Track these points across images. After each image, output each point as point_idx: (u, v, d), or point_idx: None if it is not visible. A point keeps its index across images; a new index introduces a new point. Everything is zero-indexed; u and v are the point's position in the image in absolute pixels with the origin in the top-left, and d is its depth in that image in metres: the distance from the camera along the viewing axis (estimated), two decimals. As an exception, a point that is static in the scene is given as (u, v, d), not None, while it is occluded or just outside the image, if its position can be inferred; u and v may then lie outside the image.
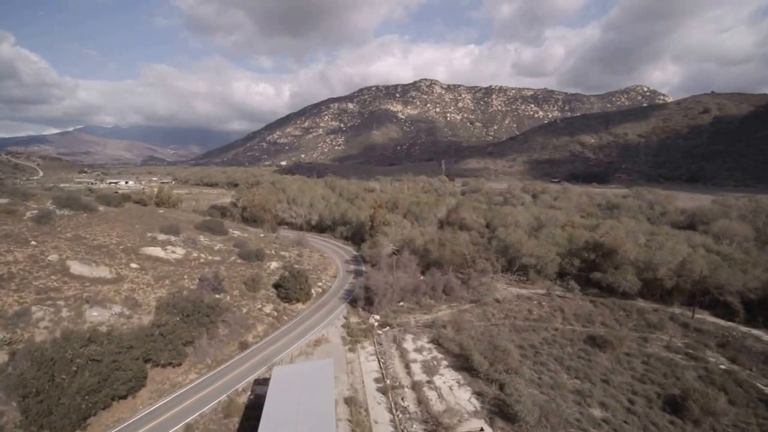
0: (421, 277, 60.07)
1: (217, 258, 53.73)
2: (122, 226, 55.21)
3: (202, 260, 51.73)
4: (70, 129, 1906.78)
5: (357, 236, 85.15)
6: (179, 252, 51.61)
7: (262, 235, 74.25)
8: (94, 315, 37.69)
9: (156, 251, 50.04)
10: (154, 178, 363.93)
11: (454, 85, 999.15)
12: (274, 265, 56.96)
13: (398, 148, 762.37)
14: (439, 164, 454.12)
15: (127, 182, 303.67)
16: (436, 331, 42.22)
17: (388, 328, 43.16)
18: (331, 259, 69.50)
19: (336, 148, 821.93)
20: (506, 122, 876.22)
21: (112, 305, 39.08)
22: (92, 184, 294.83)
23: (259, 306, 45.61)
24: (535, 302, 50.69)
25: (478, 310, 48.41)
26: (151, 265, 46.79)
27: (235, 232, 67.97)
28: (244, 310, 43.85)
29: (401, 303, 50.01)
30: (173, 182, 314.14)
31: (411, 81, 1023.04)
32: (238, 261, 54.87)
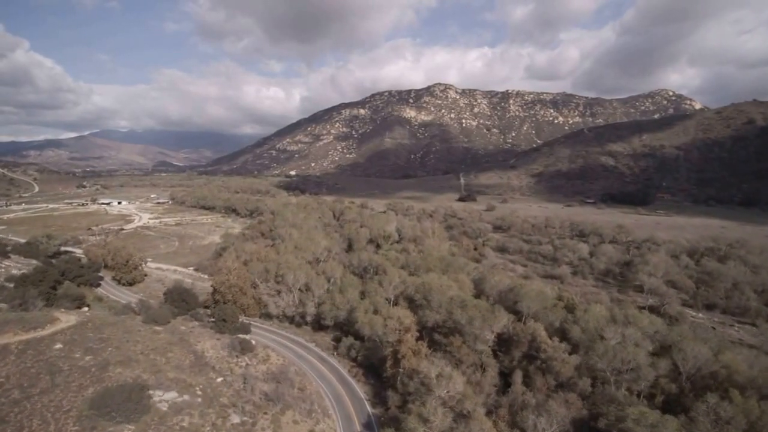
0: None
1: None
2: None
3: None
4: (86, 133, 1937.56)
5: (371, 358, 57.13)
6: None
7: (219, 380, 46.50)
8: None
9: None
10: (152, 195, 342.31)
11: (469, 90, 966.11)
12: None
13: (412, 156, 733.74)
14: (457, 178, 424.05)
15: (120, 202, 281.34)
16: None
17: None
18: (328, 438, 41.48)
19: (347, 156, 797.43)
20: (524, 128, 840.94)
21: None
22: (82, 205, 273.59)
23: None
24: None
25: None
26: None
27: (166, 396, 40.22)
28: None
29: None
30: (170, 202, 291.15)
31: (424, 85, 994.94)
32: None
